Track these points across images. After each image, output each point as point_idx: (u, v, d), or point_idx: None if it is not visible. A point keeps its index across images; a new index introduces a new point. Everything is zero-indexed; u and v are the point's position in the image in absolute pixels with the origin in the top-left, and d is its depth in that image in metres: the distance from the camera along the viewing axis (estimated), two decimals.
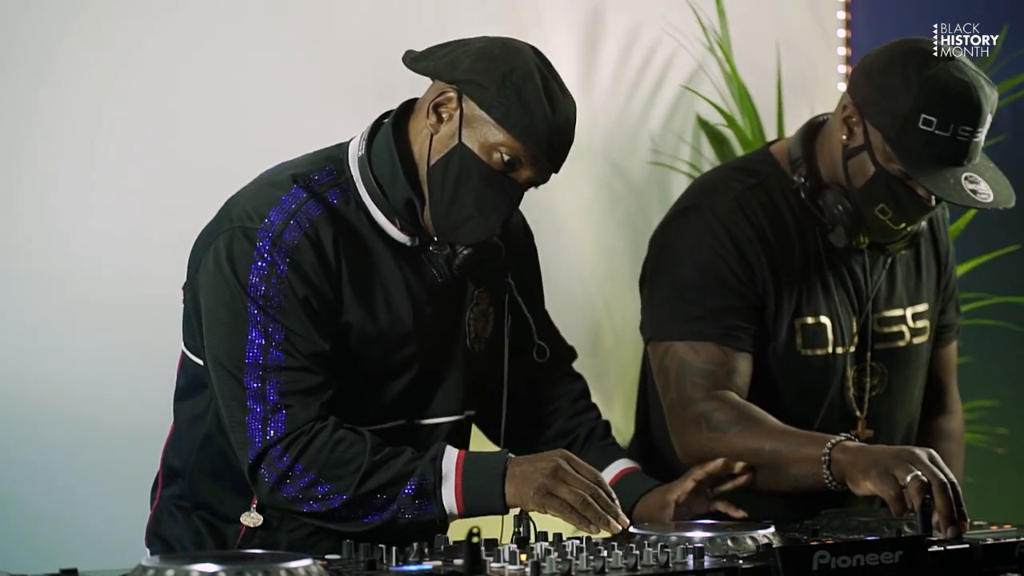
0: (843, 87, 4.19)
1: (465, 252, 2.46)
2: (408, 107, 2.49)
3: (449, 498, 2.35)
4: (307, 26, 3.39)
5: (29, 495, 3.06)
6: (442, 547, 2.18)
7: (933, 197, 2.62)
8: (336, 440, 2.34)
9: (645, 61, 3.92)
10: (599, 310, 3.83)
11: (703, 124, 3.97)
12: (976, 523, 2.43)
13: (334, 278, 2.39)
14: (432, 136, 2.41)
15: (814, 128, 2.79)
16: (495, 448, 2.73)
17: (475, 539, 1.87)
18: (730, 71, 3.86)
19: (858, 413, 2.77)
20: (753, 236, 2.71)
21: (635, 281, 2.90)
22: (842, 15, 4.27)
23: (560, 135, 2.39)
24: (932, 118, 2.57)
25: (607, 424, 2.72)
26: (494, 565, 2.02)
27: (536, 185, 2.44)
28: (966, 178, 2.60)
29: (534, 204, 3.71)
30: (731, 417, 2.62)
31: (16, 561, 2.81)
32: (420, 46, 2.48)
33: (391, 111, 2.49)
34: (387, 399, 2.46)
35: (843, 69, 4.25)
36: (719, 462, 2.54)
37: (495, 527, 2.37)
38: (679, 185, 3.77)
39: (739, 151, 3.87)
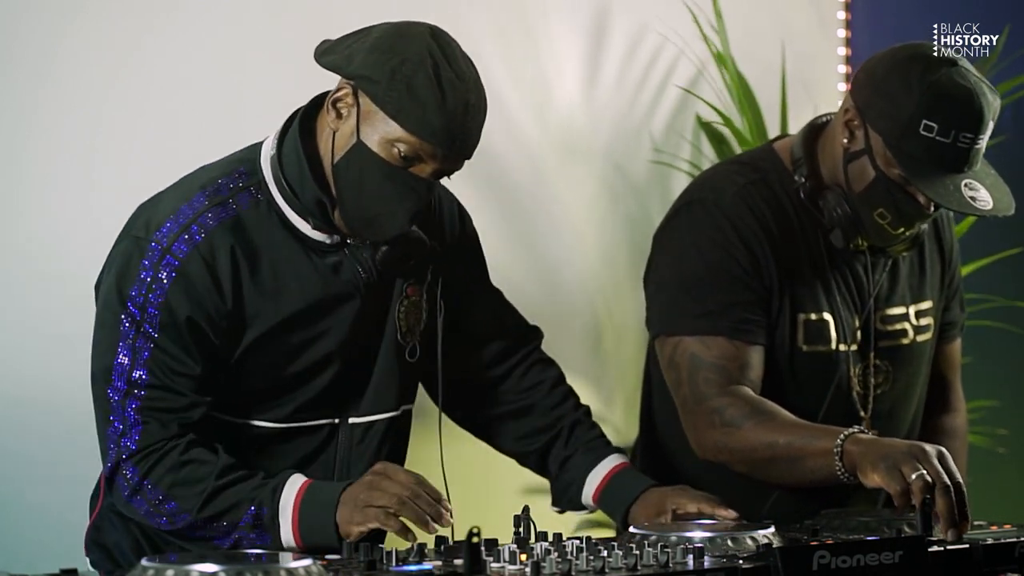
0: (843, 87, 4.19)
1: (384, 247, 2.41)
2: (318, 102, 2.43)
3: (287, 531, 2.29)
4: (307, 26, 3.38)
5: (30, 495, 3.06)
6: (442, 547, 2.18)
7: (932, 204, 2.62)
8: (185, 460, 2.31)
9: (648, 61, 3.91)
10: (600, 310, 3.83)
11: (703, 124, 3.97)
12: (976, 523, 2.42)
13: (227, 291, 2.33)
14: (334, 133, 2.36)
15: (816, 129, 2.78)
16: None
17: (475, 539, 1.87)
18: (729, 74, 3.86)
19: (862, 413, 2.77)
20: (757, 229, 2.71)
21: (636, 281, 2.89)
22: (842, 15, 4.27)
23: (457, 123, 2.31)
24: (933, 124, 2.56)
25: (588, 410, 2.69)
26: (494, 565, 2.02)
27: (448, 174, 2.37)
28: (966, 185, 2.59)
29: (534, 203, 3.69)
30: (744, 412, 2.61)
31: (16, 561, 2.81)
32: None
33: (301, 107, 2.44)
34: (310, 396, 2.42)
35: (843, 69, 4.25)
36: (734, 515, 2.49)
37: (495, 527, 2.37)
38: (680, 184, 3.77)
39: (739, 151, 3.86)
